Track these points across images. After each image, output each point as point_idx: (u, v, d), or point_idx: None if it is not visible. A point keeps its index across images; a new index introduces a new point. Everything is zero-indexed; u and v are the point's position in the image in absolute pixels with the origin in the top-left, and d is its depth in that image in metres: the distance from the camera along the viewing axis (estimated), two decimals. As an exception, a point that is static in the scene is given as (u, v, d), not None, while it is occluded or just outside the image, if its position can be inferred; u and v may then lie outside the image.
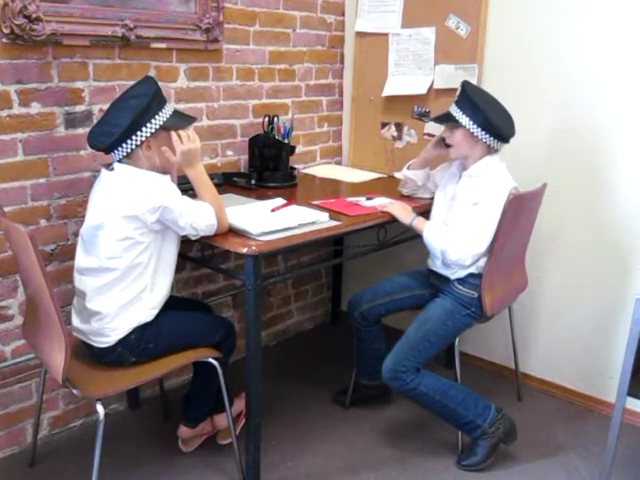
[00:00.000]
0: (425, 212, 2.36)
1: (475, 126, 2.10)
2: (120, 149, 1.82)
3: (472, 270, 2.18)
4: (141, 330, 1.88)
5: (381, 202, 2.33)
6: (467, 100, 2.11)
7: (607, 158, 2.40)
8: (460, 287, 2.22)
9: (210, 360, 1.99)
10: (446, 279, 2.26)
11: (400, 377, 2.11)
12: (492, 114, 2.10)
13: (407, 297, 2.39)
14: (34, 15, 1.92)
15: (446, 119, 2.19)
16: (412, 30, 2.79)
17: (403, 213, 2.24)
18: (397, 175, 2.53)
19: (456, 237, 2.14)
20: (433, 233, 2.18)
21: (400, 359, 2.13)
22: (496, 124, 2.10)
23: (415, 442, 2.38)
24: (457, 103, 2.15)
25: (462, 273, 2.20)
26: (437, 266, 2.28)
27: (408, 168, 2.43)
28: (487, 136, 2.11)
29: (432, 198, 2.38)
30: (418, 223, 2.21)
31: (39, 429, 2.24)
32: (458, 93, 2.16)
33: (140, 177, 1.83)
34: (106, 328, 1.84)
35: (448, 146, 2.23)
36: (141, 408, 2.54)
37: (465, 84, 2.16)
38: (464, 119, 2.11)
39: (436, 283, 2.32)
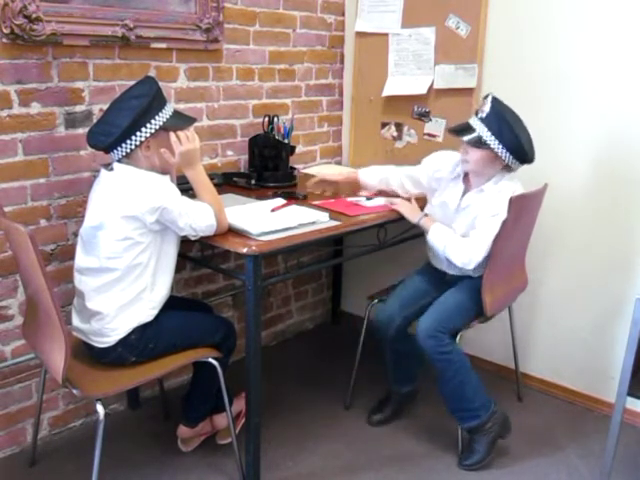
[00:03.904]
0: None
1: (505, 150, 2.02)
2: (119, 149, 1.82)
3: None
4: (141, 330, 1.88)
5: (386, 201, 2.33)
6: (497, 118, 2.01)
7: (607, 157, 2.40)
8: (476, 276, 2.23)
9: (210, 360, 1.99)
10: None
11: (438, 336, 2.09)
12: (523, 137, 2.02)
13: (429, 303, 2.28)
14: (34, 15, 1.92)
15: (464, 132, 2.08)
16: (412, 30, 2.79)
17: (411, 212, 2.24)
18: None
19: (461, 244, 2.13)
20: (438, 237, 2.18)
21: (439, 320, 2.12)
22: (526, 148, 2.02)
23: (415, 442, 2.38)
24: (483, 120, 2.04)
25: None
26: (444, 267, 2.31)
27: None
28: (512, 159, 2.05)
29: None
30: (426, 222, 2.21)
31: (39, 429, 2.24)
32: (487, 109, 2.03)
33: (139, 177, 1.83)
34: (106, 328, 1.85)
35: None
36: (141, 408, 2.54)
37: (495, 100, 2.05)
38: (492, 140, 2.01)
39: (452, 279, 2.32)
